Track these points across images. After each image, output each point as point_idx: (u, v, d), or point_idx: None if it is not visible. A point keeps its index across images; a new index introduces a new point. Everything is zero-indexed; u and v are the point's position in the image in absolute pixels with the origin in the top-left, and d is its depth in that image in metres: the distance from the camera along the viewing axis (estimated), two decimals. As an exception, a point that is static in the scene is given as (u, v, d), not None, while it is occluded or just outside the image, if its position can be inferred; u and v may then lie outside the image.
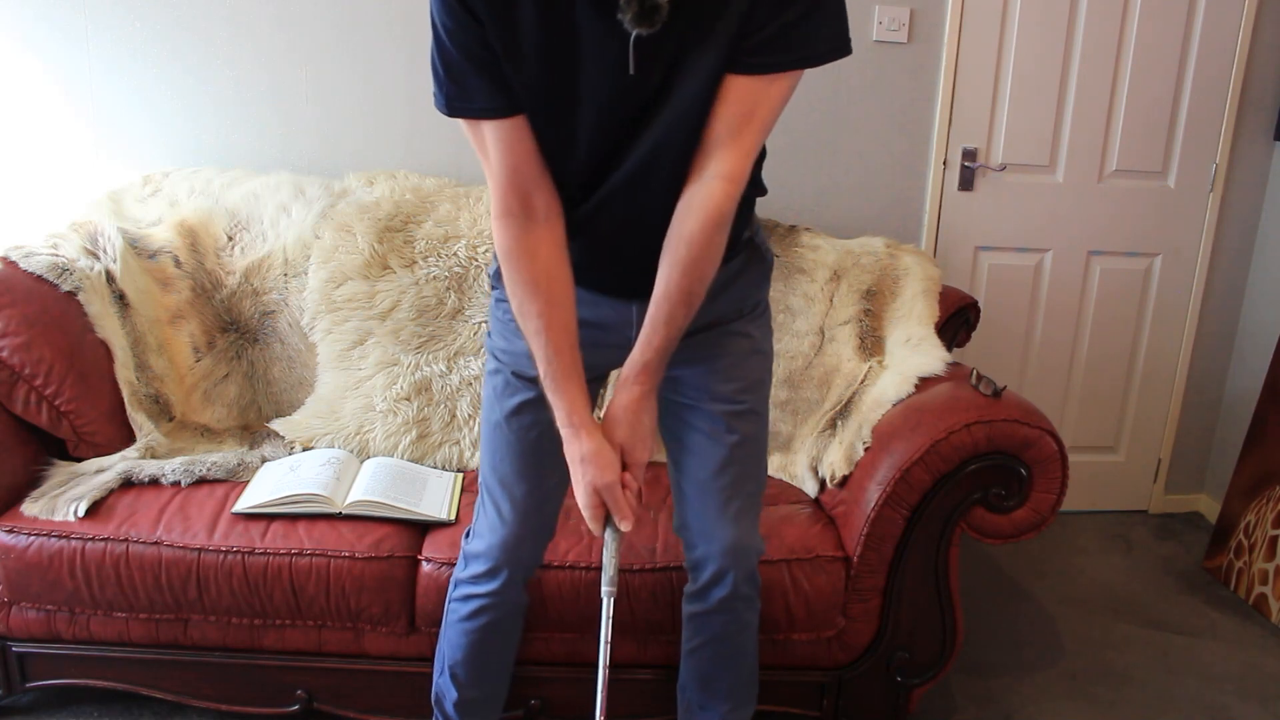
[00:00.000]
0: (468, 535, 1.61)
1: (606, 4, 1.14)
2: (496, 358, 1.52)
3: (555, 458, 1.53)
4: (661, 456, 1.58)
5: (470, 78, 1.22)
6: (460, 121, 1.27)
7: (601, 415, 1.42)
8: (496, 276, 1.49)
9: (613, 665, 1.85)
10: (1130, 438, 3.00)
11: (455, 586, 1.61)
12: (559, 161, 1.30)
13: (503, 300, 1.49)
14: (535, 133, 1.27)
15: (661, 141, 1.25)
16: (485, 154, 1.28)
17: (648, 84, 1.21)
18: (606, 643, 1.40)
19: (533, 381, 1.45)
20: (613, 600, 1.40)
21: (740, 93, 1.21)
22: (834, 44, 1.21)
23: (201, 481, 1.91)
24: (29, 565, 1.77)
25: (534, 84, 1.22)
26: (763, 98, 1.22)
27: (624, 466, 1.38)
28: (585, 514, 1.38)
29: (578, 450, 1.35)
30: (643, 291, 1.39)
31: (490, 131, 1.25)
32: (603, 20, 1.15)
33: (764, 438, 1.57)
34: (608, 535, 1.39)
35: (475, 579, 1.56)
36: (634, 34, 1.15)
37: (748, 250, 1.48)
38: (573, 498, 1.42)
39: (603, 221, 1.35)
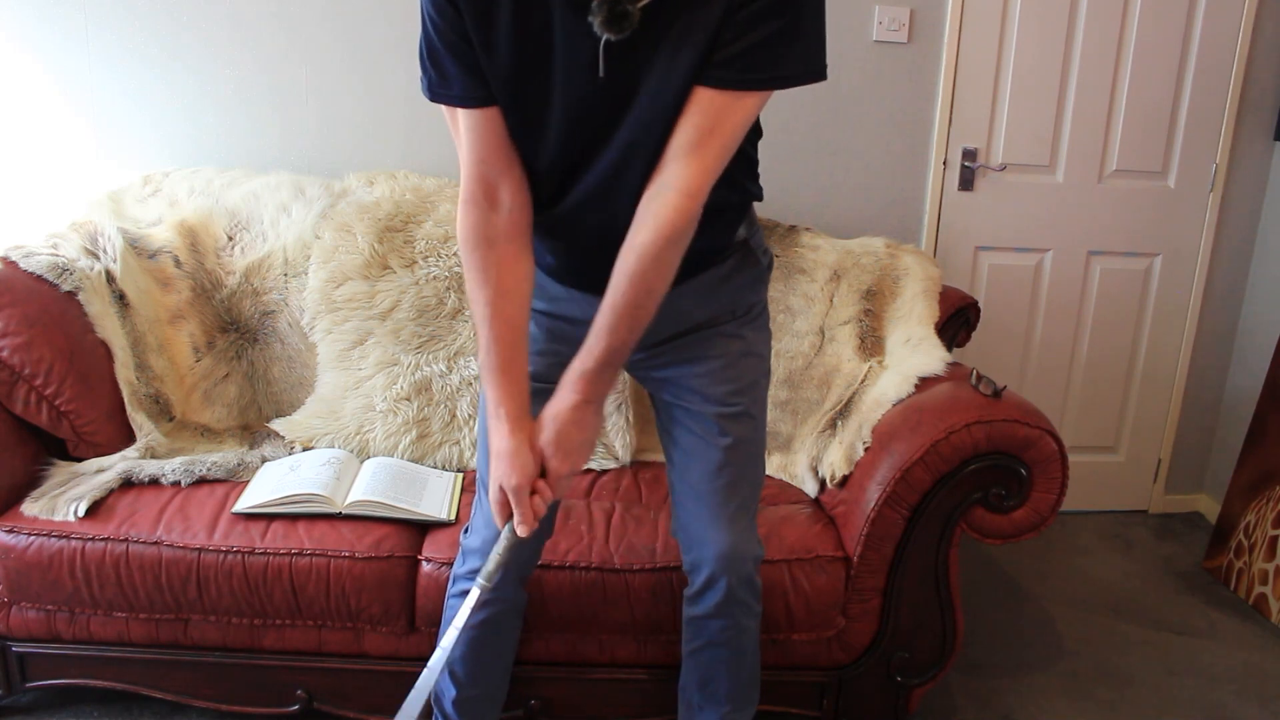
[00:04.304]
0: (466, 531, 1.61)
1: (580, 6, 1.15)
2: None
3: None
4: (661, 457, 1.58)
5: (449, 66, 1.25)
6: (442, 107, 1.30)
7: None
8: None
9: (613, 665, 1.86)
10: (1130, 438, 3.00)
11: (454, 582, 1.61)
12: (532, 159, 1.31)
13: None
14: (509, 128, 1.28)
15: (631, 146, 1.25)
16: (459, 139, 1.31)
17: (617, 88, 1.22)
18: (457, 629, 1.34)
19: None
20: (481, 593, 1.35)
21: (705, 105, 1.20)
22: (806, 68, 1.20)
23: (201, 481, 1.91)
24: (29, 565, 1.77)
25: (506, 79, 1.24)
26: (727, 113, 1.21)
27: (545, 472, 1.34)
28: (491, 506, 1.36)
29: (495, 444, 1.34)
30: None
31: (464, 119, 1.28)
32: (576, 22, 1.16)
33: (760, 440, 1.56)
34: (505, 531, 1.36)
35: (473, 575, 1.56)
36: (604, 38, 1.15)
37: (741, 253, 1.48)
38: (570, 497, 1.42)
39: (578, 224, 1.35)
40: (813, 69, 1.21)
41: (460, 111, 1.28)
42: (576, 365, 1.34)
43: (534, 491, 1.33)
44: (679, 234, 1.25)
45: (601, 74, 1.20)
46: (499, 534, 1.52)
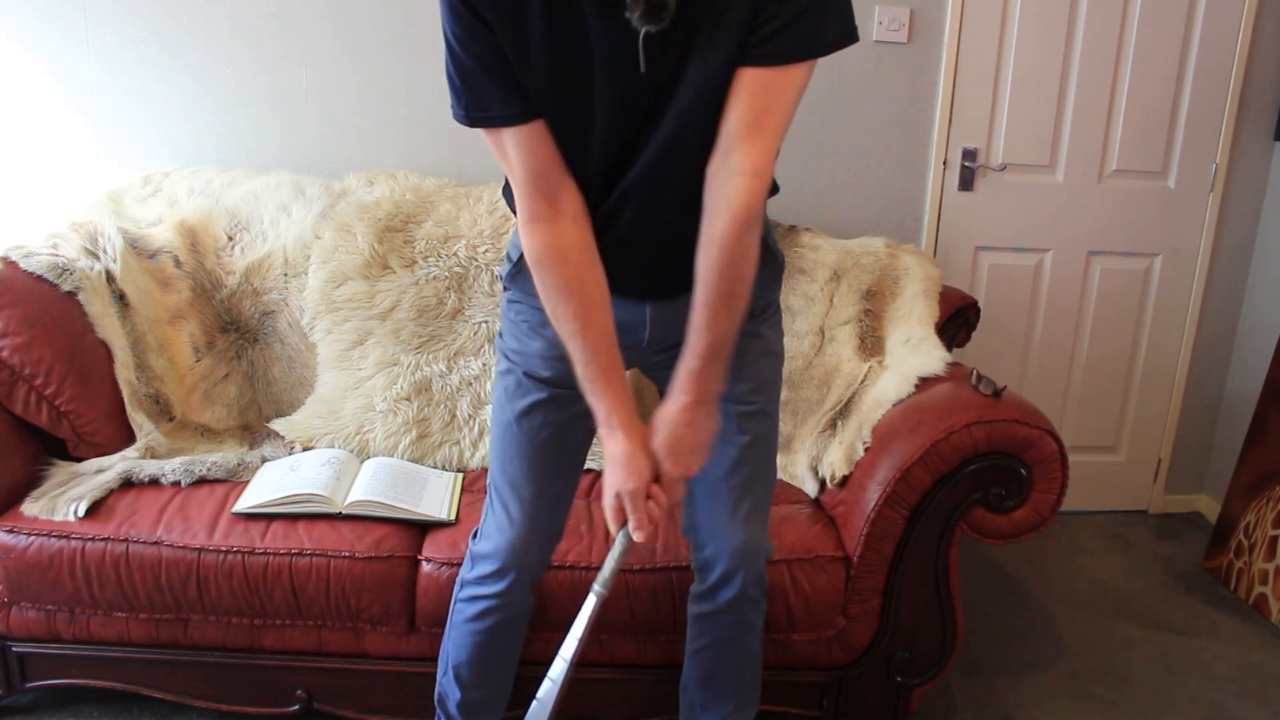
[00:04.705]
0: (475, 536, 1.60)
1: (613, 3, 1.14)
2: (508, 358, 1.51)
3: (565, 459, 1.52)
4: None
5: (486, 85, 1.21)
6: (480, 130, 1.27)
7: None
8: (510, 278, 1.48)
9: (613, 665, 1.86)
10: (1130, 438, 3.00)
11: (461, 587, 1.60)
12: (575, 162, 1.29)
13: (515, 301, 1.48)
14: (552, 135, 1.26)
15: (674, 138, 1.25)
16: (507, 160, 1.27)
17: (659, 80, 1.21)
18: (581, 640, 1.36)
19: (544, 383, 1.45)
20: (599, 601, 1.36)
21: (755, 85, 1.20)
22: (841, 32, 1.21)
23: (201, 481, 1.91)
24: (29, 565, 1.77)
25: (545, 87, 1.22)
26: (778, 89, 1.21)
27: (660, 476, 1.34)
28: (606, 513, 1.36)
29: (610, 451, 1.33)
30: (654, 293, 1.39)
31: (510, 138, 1.25)
32: (610, 19, 1.16)
33: (774, 439, 1.56)
34: (620, 536, 1.36)
35: (482, 580, 1.56)
36: (643, 31, 1.15)
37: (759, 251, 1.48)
38: (580, 498, 1.39)
39: (619, 221, 1.34)
40: (848, 31, 1.21)
41: (505, 131, 1.24)
42: (681, 367, 1.32)
43: (649, 496, 1.32)
44: (753, 216, 1.25)
45: (643, 68, 1.19)
46: (512, 540, 1.52)
